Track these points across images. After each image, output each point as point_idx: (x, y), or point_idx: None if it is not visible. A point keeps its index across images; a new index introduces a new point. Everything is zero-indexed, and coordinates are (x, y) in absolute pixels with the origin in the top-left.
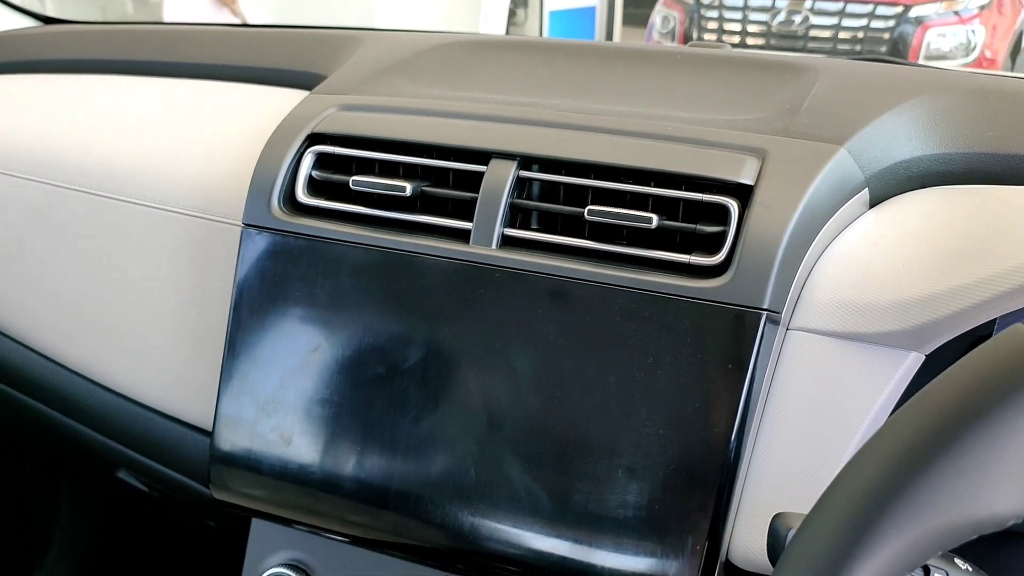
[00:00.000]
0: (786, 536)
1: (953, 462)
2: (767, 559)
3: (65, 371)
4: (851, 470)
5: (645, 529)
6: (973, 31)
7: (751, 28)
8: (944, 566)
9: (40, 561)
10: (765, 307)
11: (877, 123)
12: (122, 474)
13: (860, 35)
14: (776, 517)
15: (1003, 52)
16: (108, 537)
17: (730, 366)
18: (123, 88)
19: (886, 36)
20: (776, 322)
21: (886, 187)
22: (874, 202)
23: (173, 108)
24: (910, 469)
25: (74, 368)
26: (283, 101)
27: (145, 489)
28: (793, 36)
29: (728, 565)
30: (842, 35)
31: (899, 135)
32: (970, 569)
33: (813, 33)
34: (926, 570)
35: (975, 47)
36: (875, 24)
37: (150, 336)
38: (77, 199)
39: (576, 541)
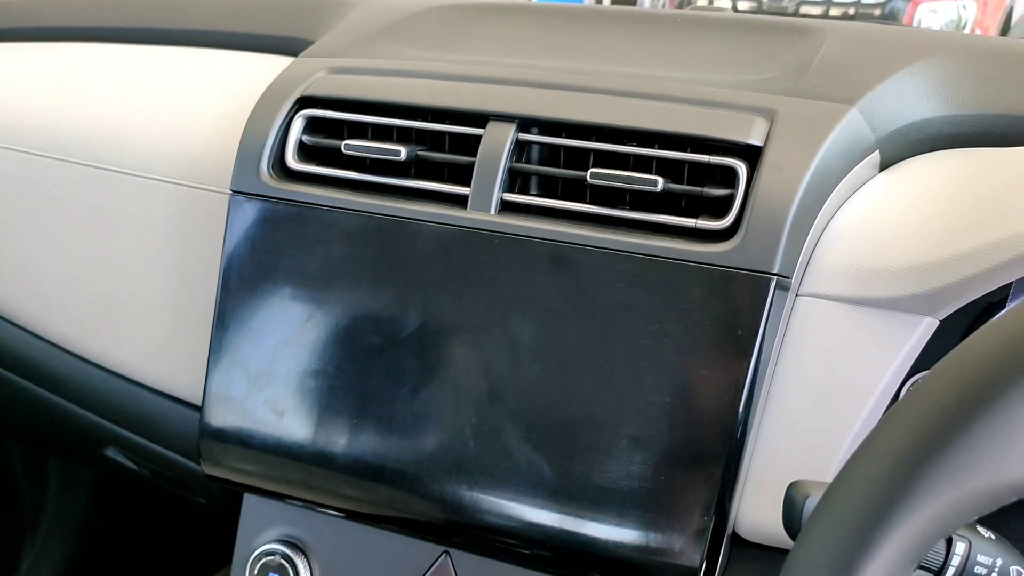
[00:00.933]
0: (803, 505)
1: (995, 421)
2: (776, 530)
3: (50, 346)
4: (884, 430)
5: (650, 501)
6: (964, 7)
7: (741, 5)
8: (967, 535)
9: (30, 539)
10: (775, 271)
11: (888, 83)
12: (110, 452)
13: (851, 11)
14: (792, 485)
15: (994, 29)
16: (98, 516)
17: (739, 332)
18: (106, 56)
19: (876, 12)
20: (786, 288)
21: (897, 149)
22: (885, 165)
23: (157, 75)
24: (949, 429)
25: (59, 343)
26: (270, 67)
27: (134, 467)
28: (783, 12)
29: (735, 538)
30: (833, 11)
31: (910, 96)
32: (993, 537)
33: (804, 10)
34: (948, 539)
35: (966, 23)
36: (865, 0)
37: (136, 309)
38: (60, 169)
39: (578, 514)
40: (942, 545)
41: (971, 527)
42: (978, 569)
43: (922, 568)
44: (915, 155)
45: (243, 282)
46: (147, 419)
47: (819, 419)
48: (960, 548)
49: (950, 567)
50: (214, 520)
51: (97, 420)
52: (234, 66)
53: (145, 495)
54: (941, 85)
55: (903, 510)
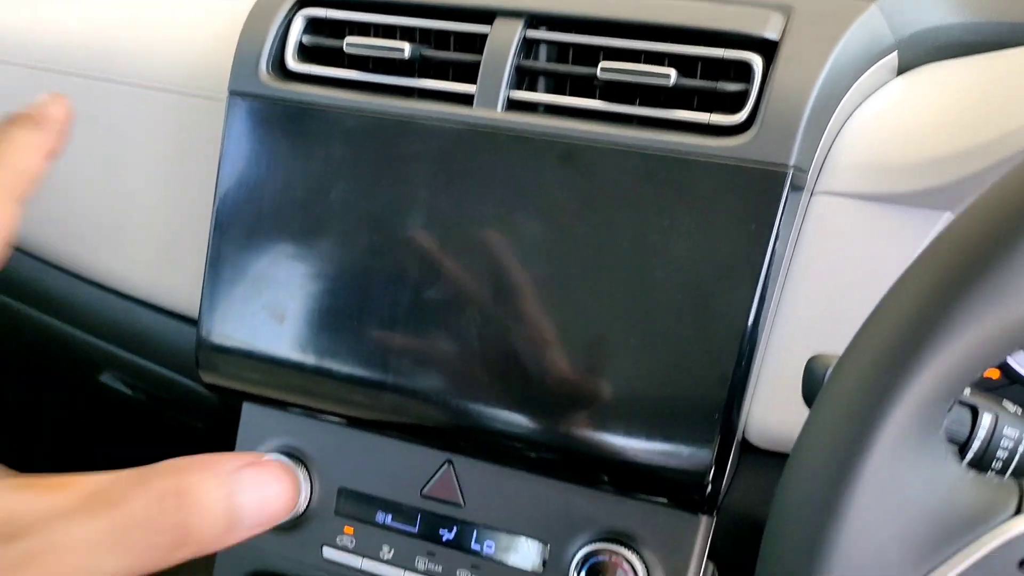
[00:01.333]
0: (824, 375)
1: None
2: (787, 434)
3: (41, 264)
4: (921, 259)
5: (659, 403)
6: None
7: None
8: (994, 408)
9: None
10: (791, 164)
11: None
12: (105, 377)
13: None
14: (812, 359)
15: None
16: (92, 448)
17: (753, 227)
18: None
19: None
20: (801, 185)
21: (915, 55)
22: (902, 70)
23: None
24: (991, 249)
25: (52, 260)
26: None
27: (129, 392)
28: None
29: (744, 444)
30: None
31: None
32: (1020, 412)
33: None
34: (974, 412)
35: None
36: None
37: (132, 221)
38: (50, 80)
39: (585, 416)
40: (968, 418)
41: (997, 401)
42: (1004, 442)
43: (948, 441)
44: (933, 62)
45: (241, 186)
46: (143, 336)
47: (833, 319)
48: (986, 420)
49: (976, 440)
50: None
51: (92, 341)
52: None
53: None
54: None
55: (942, 334)
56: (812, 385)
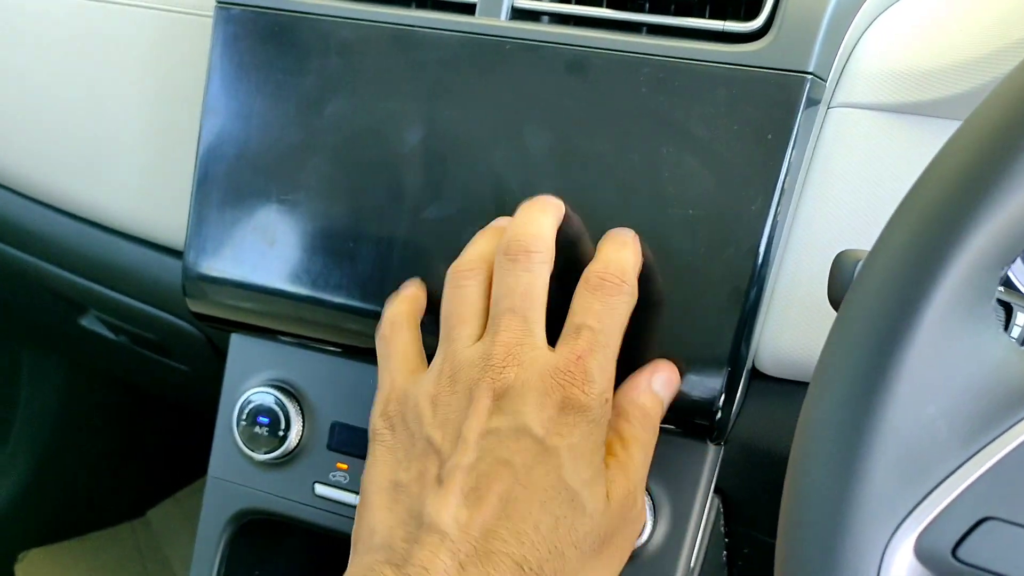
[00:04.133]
0: (854, 270)
1: None
2: (800, 359)
3: (18, 197)
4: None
5: (667, 325)
6: None
7: None
8: None
9: (1, 440)
10: (810, 71)
11: None
12: (86, 320)
13: None
14: (841, 253)
15: None
16: (71, 414)
17: (769, 137)
18: None
19: None
20: (819, 96)
21: None
22: None
23: None
24: None
25: (29, 193)
26: None
27: (112, 336)
28: None
29: (754, 372)
30: None
31: None
32: None
33: None
34: (1008, 308)
35: None
36: None
37: (112, 148)
38: (29, 1)
39: None
40: (1002, 314)
41: None
42: None
43: None
44: None
45: (230, 101)
46: (126, 271)
47: (850, 237)
48: (1021, 319)
49: (1012, 336)
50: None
51: (71, 278)
52: None
53: (122, 391)
54: None
55: (992, 194)
56: (841, 278)
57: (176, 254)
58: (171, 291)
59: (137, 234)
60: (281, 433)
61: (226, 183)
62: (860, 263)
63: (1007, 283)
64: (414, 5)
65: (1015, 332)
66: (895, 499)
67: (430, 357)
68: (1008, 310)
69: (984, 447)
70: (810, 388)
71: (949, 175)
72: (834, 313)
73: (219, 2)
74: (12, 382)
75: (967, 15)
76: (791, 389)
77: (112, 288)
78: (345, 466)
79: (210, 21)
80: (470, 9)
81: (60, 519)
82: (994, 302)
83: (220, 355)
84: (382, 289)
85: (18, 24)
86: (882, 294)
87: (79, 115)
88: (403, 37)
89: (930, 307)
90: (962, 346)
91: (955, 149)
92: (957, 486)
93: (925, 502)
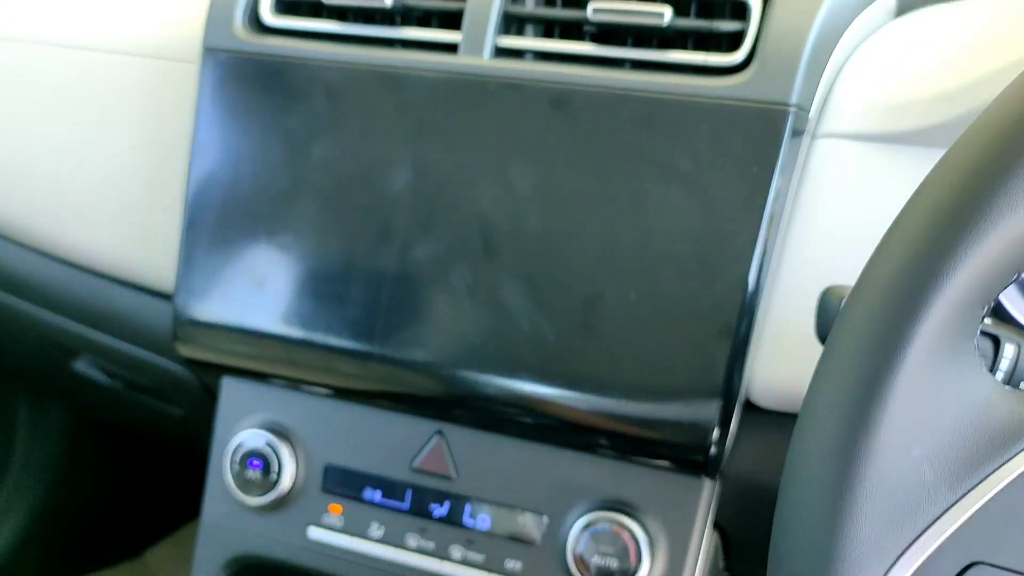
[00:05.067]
0: (839, 307)
1: None
2: (792, 391)
3: (11, 244)
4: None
5: (660, 361)
6: None
7: None
8: (1018, 338)
9: (1, 484)
10: (793, 103)
11: None
12: (80, 364)
13: None
14: (827, 290)
15: None
16: (68, 463)
17: (754, 170)
18: None
19: None
20: (802, 126)
21: None
22: (900, 12)
23: None
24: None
25: (20, 239)
26: None
27: (106, 380)
28: None
29: (746, 404)
30: None
31: None
32: None
33: None
34: (996, 341)
35: None
36: None
37: (104, 195)
38: (20, 51)
39: (583, 378)
40: (990, 347)
41: (1021, 331)
42: None
43: None
44: (931, 5)
45: (218, 147)
46: (118, 316)
47: (839, 268)
48: (1009, 350)
49: (999, 371)
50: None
51: (65, 323)
52: None
53: (121, 435)
54: None
55: (978, 228)
56: (827, 315)
57: (166, 297)
58: (163, 335)
59: (128, 278)
60: (274, 476)
61: (214, 227)
62: (845, 299)
63: (997, 311)
64: (398, 47)
65: (1003, 364)
66: (883, 544)
67: None
68: (995, 342)
69: (971, 490)
70: (795, 433)
71: (926, 216)
72: None
73: (207, 48)
74: (8, 426)
75: (943, 46)
76: (787, 421)
77: (104, 332)
78: (339, 508)
79: (193, 68)
80: (453, 48)
81: (59, 561)
82: (977, 339)
83: (214, 398)
84: (372, 330)
85: (8, 73)
86: (863, 338)
87: (69, 162)
88: (388, 78)
89: (911, 349)
90: (946, 387)
91: (931, 189)
92: (945, 530)
93: (913, 547)
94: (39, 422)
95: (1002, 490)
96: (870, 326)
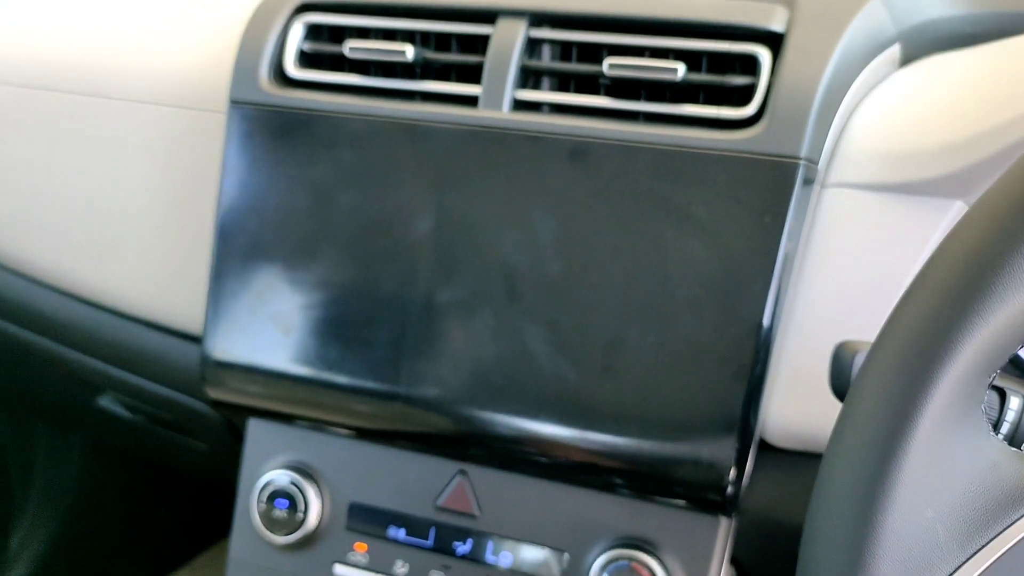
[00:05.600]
0: (852, 363)
1: None
2: (807, 433)
3: (39, 286)
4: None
5: (676, 404)
6: None
7: None
8: (1021, 390)
9: (19, 513)
10: (802, 156)
11: None
12: (104, 400)
13: None
14: (839, 345)
15: None
16: (88, 487)
17: (766, 220)
18: None
19: None
20: (812, 177)
21: (916, 47)
22: (904, 62)
23: (145, 7)
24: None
25: (49, 282)
26: None
27: (129, 415)
28: None
29: (762, 444)
30: None
31: None
32: None
33: None
34: (1002, 394)
35: None
36: None
37: (133, 239)
38: (49, 100)
39: (602, 420)
40: (996, 400)
41: None
42: None
43: None
44: (935, 54)
45: (244, 195)
46: (144, 355)
47: (850, 313)
48: (1015, 403)
49: (1005, 422)
50: (212, 474)
51: (90, 362)
52: None
53: (138, 464)
54: None
55: (980, 309)
56: (841, 371)
57: (192, 339)
58: (188, 374)
59: (155, 321)
60: (300, 515)
61: (242, 273)
62: (858, 355)
63: (1016, 361)
64: (419, 99)
65: (1009, 416)
66: None
67: None
68: (1001, 395)
69: (980, 549)
70: (814, 496)
71: (935, 294)
72: None
73: (233, 100)
74: (28, 458)
75: (948, 95)
76: (801, 460)
77: (130, 371)
78: (364, 546)
79: (220, 117)
80: (473, 101)
81: None
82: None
83: (237, 433)
84: (395, 373)
85: (40, 121)
86: (877, 409)
87: (98, 209)
88: (409, 130)
89: (923, 420)
90: (956, 451)
91: (939, 267)
92: None
93: None
94: (57, 447)
95: (1009, 549)
96: (884, 398)
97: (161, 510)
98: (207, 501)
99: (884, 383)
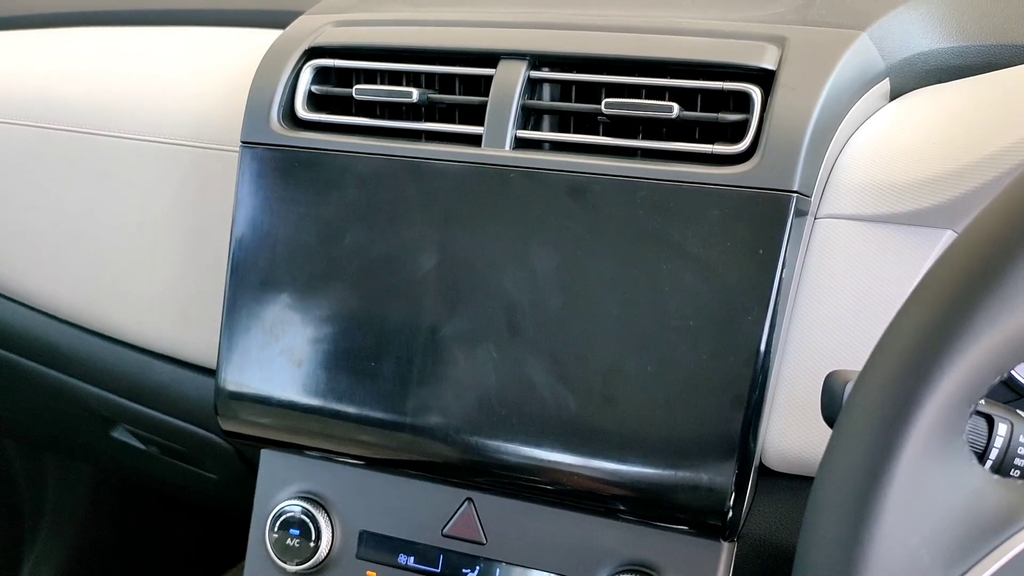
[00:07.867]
0: (843, 390)
1: None
2: (804, 457)
3: (54, 321)
4: (932, 271)
5: (676, 432)
6: None
7: None
8: (1010, 417)
9: (30, 542)
10: (795, 189)
11: (896, 13)
12: (117, 432)
13: None
14: (830, 375)
15: None
16: (99, 516)
17: (761, 252)
18: (105, 37)
19: None
20: (805, 210)
21: (906, 80)
22: (894, 95)
23: (158, 50)
24: (1002, 256)
25: (64, 317)
26: (271, 37)
27: (141, 446)
28: None
29: (761, 468)
30: None
31: (918, 25)
32: None
33: None
34: (990, 421)
35: None
36: None
37: (146, 276)
38: (65, 139)
39: (604, 448)
40: (984, 427)
41: (1012, 411)
42: (1022, 451)
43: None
44: (923, 87)
45: (256, 233)
46: (158, 389)
47: (844, 341)
48: (1003, 430)
49: (993, 448)
50: (222, 504)
51: (104, 395)
52: (235, 38)
53: (147, 494)
54: (948, 15)
55: (962, 340)
56: (832, 400)
57: (204, 371)
58: (200, 406)
59: (168, 354)
60: (312, 543)
61: (254, 308)
62: (848, 384)
63: (1009, 382)
64: (424, 139)
65: (997, 442)
66: None
67: None
68: (989, 422)
69: (964, 574)
70: (804, 523)
71: (914, 331)
72: None
73: (244, 142)
74: (39, 489)
75: (939, 131)
76: (800, 485)
77: (145, 404)
78: (374, 574)
79: (232, 156)
80: (476, 140)
81: None
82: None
83: (249, 464)
84: (403, 404)
85: (56, 159)
86: (862, 440)
87: (111, 246)
88: (416, 168)
89: (906, 450)
90: (939, 479)
91: (919, 300)
92: None
93: None
94: (68, 479)
95: (992, 574)
96: (868, 430)
97: (170, 540)
98: (215, 530)
99: (867, 415)
